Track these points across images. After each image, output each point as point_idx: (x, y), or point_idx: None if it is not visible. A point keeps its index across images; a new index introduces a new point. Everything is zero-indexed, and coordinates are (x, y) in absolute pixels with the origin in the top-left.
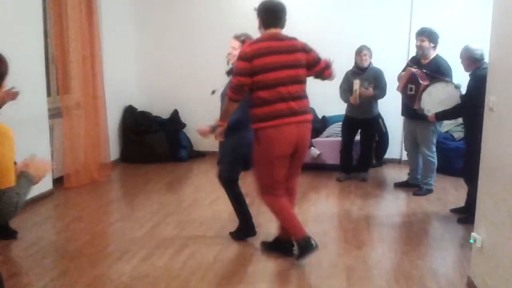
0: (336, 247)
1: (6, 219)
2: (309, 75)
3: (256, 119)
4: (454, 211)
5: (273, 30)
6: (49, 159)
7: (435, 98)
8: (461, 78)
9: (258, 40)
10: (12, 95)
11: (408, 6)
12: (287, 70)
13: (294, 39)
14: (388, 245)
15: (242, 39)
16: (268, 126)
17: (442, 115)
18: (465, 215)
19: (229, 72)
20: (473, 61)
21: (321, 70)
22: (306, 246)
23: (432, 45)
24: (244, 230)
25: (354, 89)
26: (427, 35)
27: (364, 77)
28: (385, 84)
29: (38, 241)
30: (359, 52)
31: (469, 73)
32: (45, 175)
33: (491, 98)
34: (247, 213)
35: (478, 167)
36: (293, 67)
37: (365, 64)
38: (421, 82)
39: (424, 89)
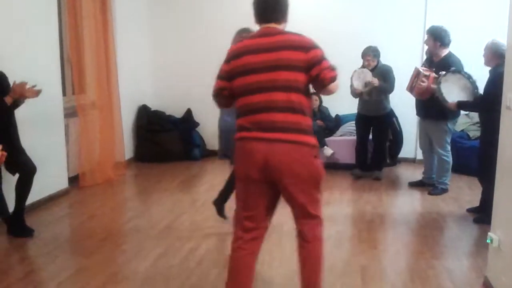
0: (351, 247)
1: None
2: (310, 78)
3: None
4: (470, 210)
5: (265, 25)
6: (62, 133)
7: (453, 87)
8: (477, 76)
9: (246, 38)
10: (34, 92)
11: (423, 3)
12: (261, 74)
13: (288, 33)
14: (403, 245)
15: (244, 35)
16: (236, 138)
17: (464, 104)
18: (480, 214)
19: None
20: (497, 56)
21: (321, 70)
22: None
23: (439, 43)
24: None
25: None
26: (431, 34)
27: (373, 74)
28: (393, 79)
29: (54, 239)
30: (363, 56)
31: (489, 69)
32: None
33: (508, 96)
34: None
35: (493, 167)
36: (271, 69)
37: (370, 67)
38: (426, 73)
39: (440, 78)
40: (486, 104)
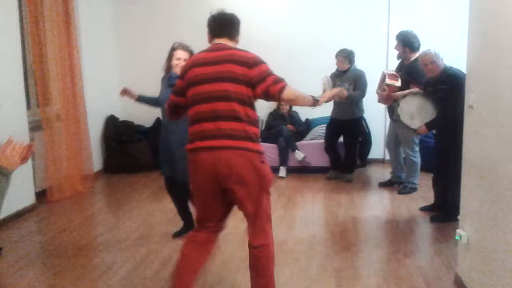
0: (324, 249)
1: None
2: (257, 96)
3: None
4: (424, 209)
5: (216, 40)
6: (27, 140)
7: (411, 112)
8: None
9: (198, 53)
10: None
11: (386, 8)
12: (207, 85)
13: (235, 49)
14: (376, 245)
15: (190, 49)
16: (187, 149)
17: (433, 124)
18: (437, 213)
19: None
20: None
21: (266, 88)
22: None
23: (408, 48)
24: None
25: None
26: (399, 39)
27: (344, 79)
28: (365, 86)
29: (23, 256)
30: (335, 57)
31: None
32: (25, 160)
33: (470, 96)
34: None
35: (451, 163)
36: (216, 80)
37: (342, 68)
38: (389, 82)
39: (397, 105)
40: (451, 114)
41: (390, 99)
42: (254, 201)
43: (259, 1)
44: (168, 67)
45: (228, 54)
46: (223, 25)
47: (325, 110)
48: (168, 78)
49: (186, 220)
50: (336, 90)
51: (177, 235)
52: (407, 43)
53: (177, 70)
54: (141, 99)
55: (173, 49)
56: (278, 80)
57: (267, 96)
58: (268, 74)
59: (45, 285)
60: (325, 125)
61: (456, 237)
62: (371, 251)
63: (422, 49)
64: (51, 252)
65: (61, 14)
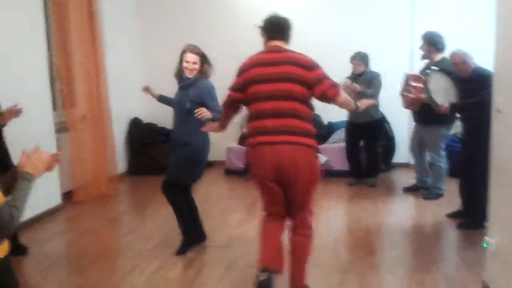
0: (348, 255)
1: (2, 235)
2: (314, 96)
3: (246, 135)
4: (451, 216)
5: (273, 43)
6: (54, 141)
7: (437, 89)
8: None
9: (256, 54)
10: (15, 112)
11: (409, 9)
12: (268, 84)
13: (292, 52)
14: (401, 251)
15: (201, 51)
16: (249, 144)
17: (456, 106)
18: (464, 219)
19: (186, 86)
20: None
21: (324, 90)
22: (258, 277)
23: (433, 48)
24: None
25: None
26: (424, 39)
27: (360, 81)
28: (378, 84)
29: (48, 256)
30: (351, 61)
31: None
32: (50, 169)
33: (498, 100)
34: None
35: (478, 169)
36: (277, 80)
37: (358, 71)
38: (413, 83)
39: (426, 78)
40: (478, 101)
41: (416, 103)
42: (305, 193)
43: (277, 3)
44: (179, 70)
45: (288, 56)
46: (280, 29)
47: (346, 114)
48: (179, 81)
49: (187, 232)
50: (370, 101)
51: (180, 252)
52: (432, 42)
53: (187, 73)
54: (162, 99)
55: (183, 52)
56: (335, 84)
57: (324, 97)
58: (324, 77)
59: (70, 285)
60: None
61: (484, 245)
62: (396, 257)
63: (448, 50)
64: (76, 253)
65: (86, 17)
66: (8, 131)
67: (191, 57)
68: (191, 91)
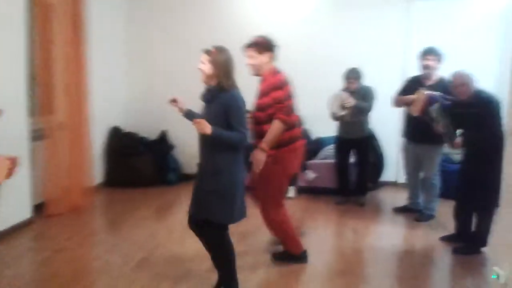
0: (342, 280)
1: None
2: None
3: (283, 142)
4: (444, 239)
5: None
6: (27, 157)
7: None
8: None
9: (279, 70)
10: None
11: (403, 25)
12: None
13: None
14: (396, 279)
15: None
16: (294, 148)
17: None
18: (463, 244)
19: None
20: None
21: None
22: (304, 258)
23: (439, 65)
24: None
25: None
26: (436, 54)
27: (354, 97)
28: (372, 98)
29: (17, 278)
30: (346, 78)
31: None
32: (9, 175)
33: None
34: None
35: (480, 193)
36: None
37: (352, 88)
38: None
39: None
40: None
41: (423, 108)
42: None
43: (275, 16)
44: None
45: None
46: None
47: (337, 129)
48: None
49: (226, 275)
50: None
51: None
52: (442, 60)
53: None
54: (190, 115)
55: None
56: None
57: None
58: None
59: None
60: None
61: (493, 276)
62: (392, 285)
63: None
64: (48, 274)
65: (70, 22)
66: None
67: (202, 57)
68: (212, 106)
